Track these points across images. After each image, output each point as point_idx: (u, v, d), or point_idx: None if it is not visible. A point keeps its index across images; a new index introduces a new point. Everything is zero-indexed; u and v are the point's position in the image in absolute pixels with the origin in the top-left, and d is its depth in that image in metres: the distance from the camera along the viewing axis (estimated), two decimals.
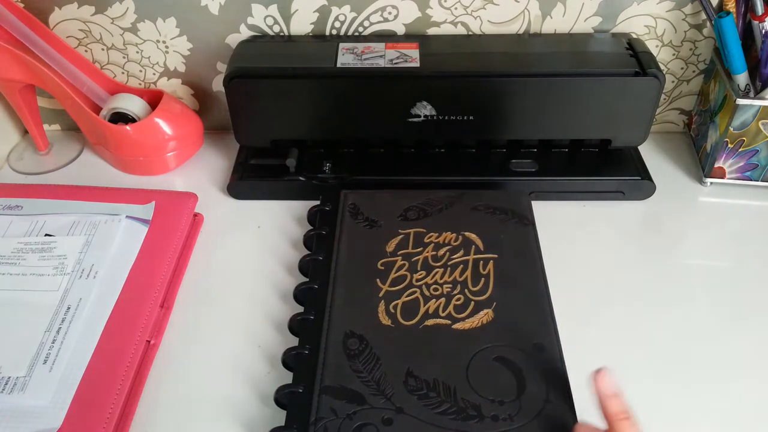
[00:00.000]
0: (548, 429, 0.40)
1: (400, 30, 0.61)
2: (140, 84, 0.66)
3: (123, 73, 0.65)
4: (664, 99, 0.66)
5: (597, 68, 0.55)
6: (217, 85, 0.65)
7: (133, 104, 0.61)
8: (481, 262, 0.50)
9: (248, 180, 0.60)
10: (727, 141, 0.58)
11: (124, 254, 0.52)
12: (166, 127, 0.61)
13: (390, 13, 0.59)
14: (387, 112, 0.58)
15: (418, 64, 0.56)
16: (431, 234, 0.52)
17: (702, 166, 0.63)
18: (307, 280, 0.51)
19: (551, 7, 0.59)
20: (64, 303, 0.48)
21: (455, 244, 0.52)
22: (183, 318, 0.51)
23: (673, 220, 0.59)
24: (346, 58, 0.57)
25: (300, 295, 0.50)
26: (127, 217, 0.55)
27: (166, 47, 0.62)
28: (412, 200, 0.55)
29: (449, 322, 0.46)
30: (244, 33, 0.61)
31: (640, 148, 0.62)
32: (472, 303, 0.47)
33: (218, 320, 0.51)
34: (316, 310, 0.48)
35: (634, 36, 0.60)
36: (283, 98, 0.57)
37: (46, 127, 0.68)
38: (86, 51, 0.63)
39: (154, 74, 0.65)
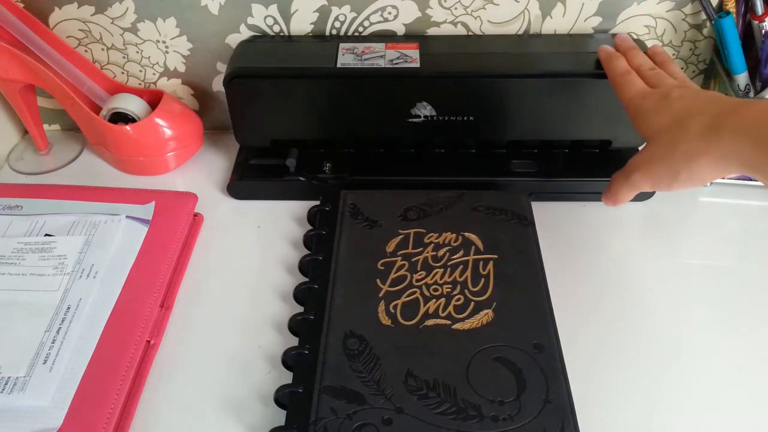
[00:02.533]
0: (548, 429, 0.40)
1: (400, 30, 0.61)
2: (140, 84, 0.66)
3: (123, 73, 0.65)
4: None
5: (597, 68, 0.55)
6: (217, 85, 0.65)
7: (133, 104, 0.61)
8: (481, 262, 0.50)
9: (248, 180, 0.60)
10: None
11: (124, 254, 0.52)
12: (166, 127, 0.61)
13: (390, 13, 0.59)
14: (387, 112, 0.58)
15: (418, 65, 0.56)
16: (431, 234, 0.52)
17: None
18: (307, 280, 0.51)
19: (551, 7, 0.59)
20: (64, 303, 0.48)
21: (455, 244, 0.52)
22: (183, 318, 0.51)
23: (674, 220, 0.59)
24: (346, 58, 0.57)
25: (300, 295, 0.51)
26: (127, 217, 0.55)
27: (166, 47, 0.62)
28: (412, 200, 0.55)
29: (449, 322, 0.46)
30: (244, 33, 0.61)
31: (640, 148, 0.62)
32: (472, 303, 0.47)
33: (218, 320, 0.51)
34: (316, 310, 0.48)
35: (635, 36, 0.60)
36: (283, 98, 0.57)
37: (46, 127, 0.68)
38: (86, 51, 0.63)
39: (154, 74, 0.65)
